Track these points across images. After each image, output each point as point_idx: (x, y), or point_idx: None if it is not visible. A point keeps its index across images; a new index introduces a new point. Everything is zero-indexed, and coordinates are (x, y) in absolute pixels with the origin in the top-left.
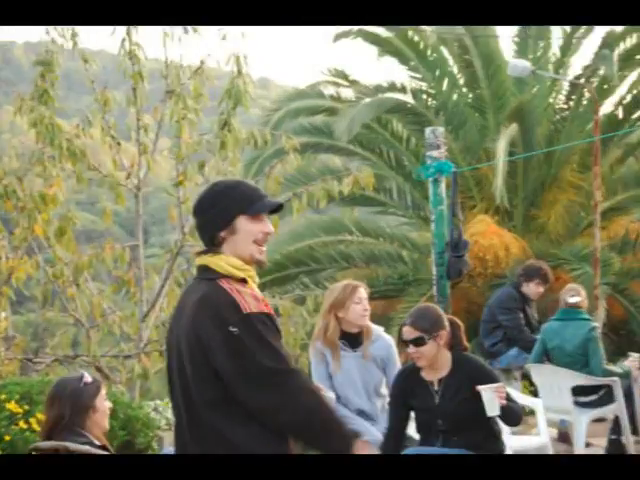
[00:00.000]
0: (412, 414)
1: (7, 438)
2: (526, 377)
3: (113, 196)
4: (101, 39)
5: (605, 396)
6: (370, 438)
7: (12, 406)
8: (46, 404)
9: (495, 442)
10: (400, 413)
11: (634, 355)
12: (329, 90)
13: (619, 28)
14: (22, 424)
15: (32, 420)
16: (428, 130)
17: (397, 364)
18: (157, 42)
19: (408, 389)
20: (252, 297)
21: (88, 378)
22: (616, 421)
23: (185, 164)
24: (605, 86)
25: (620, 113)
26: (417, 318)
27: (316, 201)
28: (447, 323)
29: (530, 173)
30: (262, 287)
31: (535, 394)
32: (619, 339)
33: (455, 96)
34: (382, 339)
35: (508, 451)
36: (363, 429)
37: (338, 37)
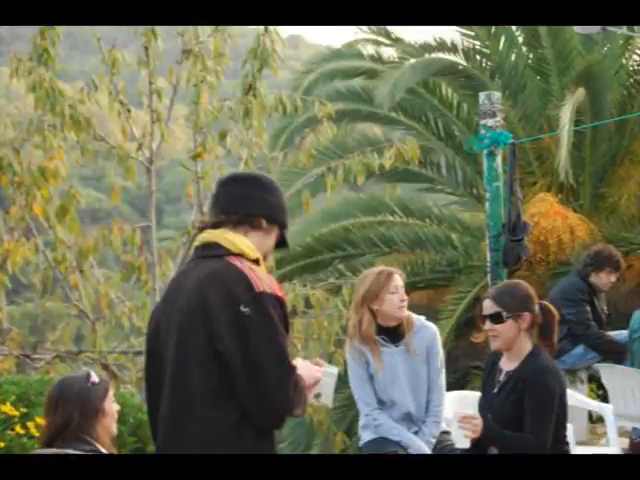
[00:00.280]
0: None
1: (2, 444)
2: (594, 379)
3: (122, 170)
4: None
5: None
6: (412, 450)
7: (7, 408)
8: (48, 407)
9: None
10: None
11: None
12: (368, 49)
13: None
14: (19, 429)
15: (30, 424)
16: (482, 95)
17: (440, 355)
18: None
19: (488, 369)
20: (266, 277)
21: (95, 377)
22: None
23: (204, 134)
24: None
25: None
26: (500, 292)
27: (353, 176)
28: (537, 308)
29: (599, 145)
30: (291, 274)
31: (604, 399)
32: None
33: (513, 57)
34: (426, 328)
35: None
36: (406, 441)
37: None
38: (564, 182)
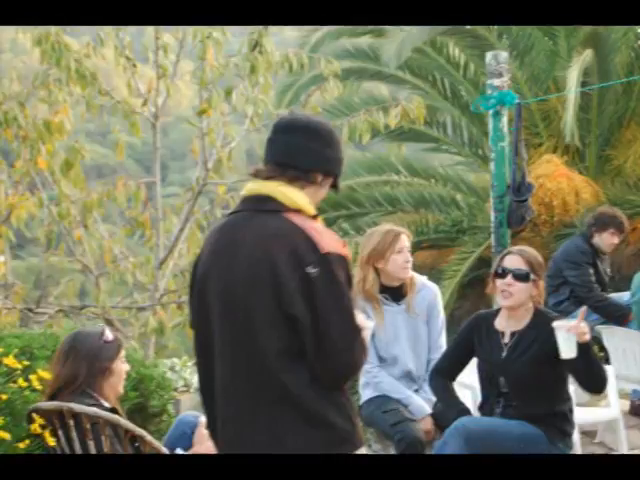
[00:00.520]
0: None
1: (4, 397)
2: (596, 341)
3: (127, 126)
4: None
5: None
6: (412, 408)
7: (10, 361)
8: (57, 359)
9: (561, 421)
10: (460, 354)
11: None
12: None
13: None
14: (21, 382)
15: (32, 377)
16: (489, 55)
17: (441, 315)
18: None
19: (478, 333)
20: (329, 235)
21: (109, 335)
22: None
23: (210, 90)
24: None
25: None
26: (528, 252)
27: (358, 135)
28: None
29: (606, 107)
30: None
31: (606, 361)
32: None
33: None
34: (427, 288)
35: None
36: (406, 398)
37: None
38: (570, 144)
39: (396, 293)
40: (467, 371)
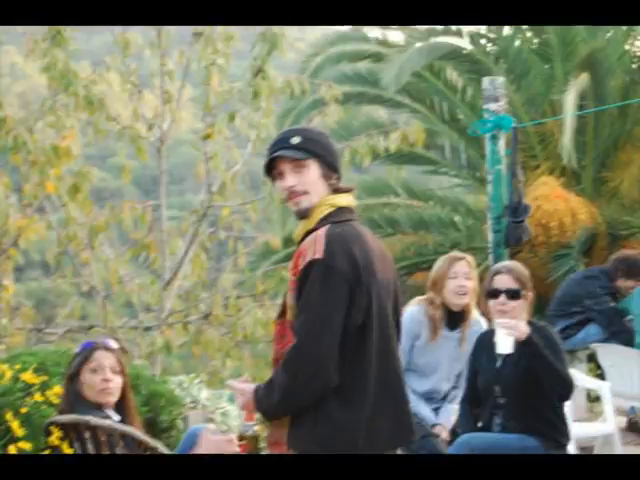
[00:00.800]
0: None
1: (23, 410)
2: (593, 359)
3: (132, 150)
4: None
5: None
6: (425, 423)
7: (28, 377)
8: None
9: (557, 432)
10: (474, 378)
11: None
12: (375, 33)
13: None
14: (38, 397)
15: (49, 393)
16: (486, 80)
17: None
18: None
19: (480, 351)
20: None
21: (96, 343)
22: None
23: (214, 115)
24: None
25: None
26: (515, 269)
27: (359, 158)
28: None
29: (602, 130)
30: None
31: (603, 378)
32: None
33: (518, 41)
34: (479, 325)
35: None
36: (423, 414)
37: None
38: (566, 166)
39: (453, 319)
40: None
